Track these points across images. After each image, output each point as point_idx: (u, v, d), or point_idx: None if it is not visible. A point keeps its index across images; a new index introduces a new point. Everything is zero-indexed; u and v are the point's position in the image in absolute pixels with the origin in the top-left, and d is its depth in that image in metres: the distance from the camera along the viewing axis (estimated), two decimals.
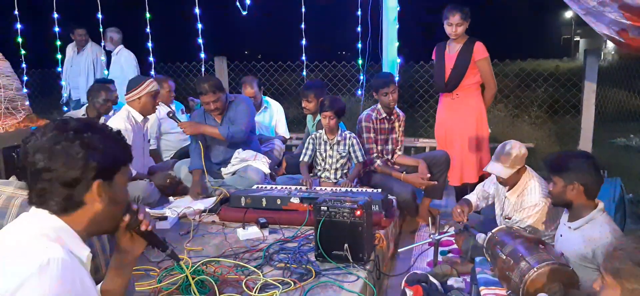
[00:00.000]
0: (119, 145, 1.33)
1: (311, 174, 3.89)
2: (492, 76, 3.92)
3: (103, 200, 1.28)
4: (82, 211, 1.26)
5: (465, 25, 3.80)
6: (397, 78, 4.69)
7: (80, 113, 4.18)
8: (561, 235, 2.42)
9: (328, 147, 3.83)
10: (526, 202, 2.79)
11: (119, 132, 1.36)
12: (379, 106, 3.93)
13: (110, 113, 4.50)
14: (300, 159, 3.89)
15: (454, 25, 3.77)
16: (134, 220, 1.42)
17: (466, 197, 3.23)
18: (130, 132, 3.50)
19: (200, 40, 5.13)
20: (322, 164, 3.87)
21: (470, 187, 3.96)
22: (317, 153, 3.89)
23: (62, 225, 1.24)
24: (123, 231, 1.43)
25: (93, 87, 4.16)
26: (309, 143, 3.89)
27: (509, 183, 2.86)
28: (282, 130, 4.91)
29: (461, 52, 3.83)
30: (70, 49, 6.10)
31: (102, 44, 5.77)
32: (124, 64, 5.72)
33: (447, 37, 3.94)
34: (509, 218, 2.87)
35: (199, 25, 5.03)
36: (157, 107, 3.82)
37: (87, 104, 4.26)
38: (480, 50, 3.81)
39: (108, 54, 5.91)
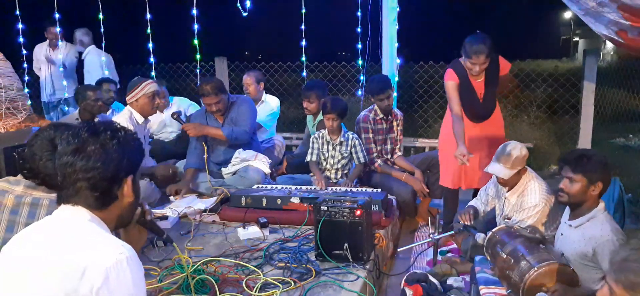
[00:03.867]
0: (138, 143, 1.46)
1: (312, 174, 3.90)
2: (509, 82, 3.76)
3: (132, 194, 1.40)
4: (114, 206, 1.37)
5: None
6: (396, 79, 4.71)
7: (74, 116, 4.18)
8: (562, 234, 2.43)
9: (331, 148, 3.84)
10: (526, 202, 2.79)
11: (135, 132, 1.46)
12: (376, 107, 3.94)
13: (109, 112, 4.52)
14: (308, 159, 3.88)
15: (479, 65, 3.29)
16: (141, 212, 1.57)
17: (471, 203, 3.20)
18: None
19: (195, 42, 5.14)
20: (324, 164, 3.88)
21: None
22: (320, 153, 3.90)
23: (99, 221, 1.34)
24: (133, 224, 1.56)
25: (79, 89, 4.10)
26: (313, 142, 3.89)
27: (510, 184, 2.85)
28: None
29: (488, 74, 3.42)
30: (43, 48, 5.85)
31: (76, 47, 5.73)
32: (90, 65, 5.63)
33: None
34: (509, 219, 2.87)
35: (196, 26, 5.04)
36: (157, 108, 3.84)
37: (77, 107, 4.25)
38: (504, 65, 3.49)
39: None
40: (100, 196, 1.33)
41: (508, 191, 2.89)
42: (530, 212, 2.76)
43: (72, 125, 1.36)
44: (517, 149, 2.78)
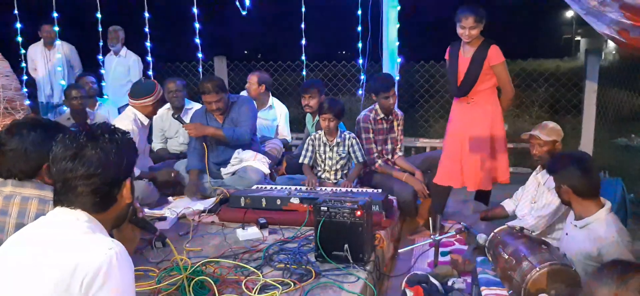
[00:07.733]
0: (133, 144, 1.46)
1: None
2: (509, 81, 3.60)
3: (131, 196, 1.41)
4: (113, 208, 1.38)
5: (480, 27, 3.48)
6: (397, 78, 4.69)
7: (65, 117, 4.29)
8: (567, 233, 2.44)
9: (328, 149, 3.81)
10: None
11: (127, 131, 1.46)
12: (376, 107, 3.91)
13: (96, 107, 4.71)
14: (301, 161, 3.88)
15: (467, 28, 3.44)
16: (133, 210, 1.57)
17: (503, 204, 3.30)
18: (137, 134, 3.54)
19: (197, 40, 5.12)
20: (322, 165, 3.86)
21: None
22: (317, 155, 3.88)
23: (97, 222, 1.35)
24: (126, 223, 1.57)
25: (65, 89, 4.29)
26: (308, 144, 3.87)
27: (546, 154, 2.95)
28: (285, 132, 4.89)
29: (475, 55, 3.52)
30: (38, 48, 5.72)
31: (110, 44, 5.58)
32: (132, 67, 5.55)
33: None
34: (534, 202, 2.96)
35: (197, 25, 5.02)
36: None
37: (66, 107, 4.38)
38: (495, 55, 3.48)
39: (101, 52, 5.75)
40: (101, 200, 1.35)
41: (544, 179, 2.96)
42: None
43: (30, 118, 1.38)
44: (552, 123, 3.04)
